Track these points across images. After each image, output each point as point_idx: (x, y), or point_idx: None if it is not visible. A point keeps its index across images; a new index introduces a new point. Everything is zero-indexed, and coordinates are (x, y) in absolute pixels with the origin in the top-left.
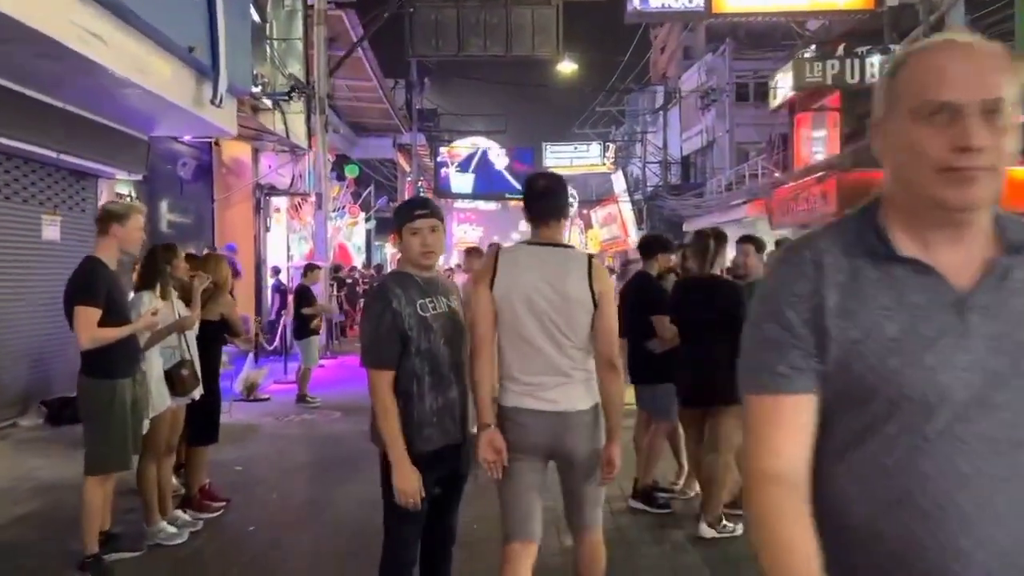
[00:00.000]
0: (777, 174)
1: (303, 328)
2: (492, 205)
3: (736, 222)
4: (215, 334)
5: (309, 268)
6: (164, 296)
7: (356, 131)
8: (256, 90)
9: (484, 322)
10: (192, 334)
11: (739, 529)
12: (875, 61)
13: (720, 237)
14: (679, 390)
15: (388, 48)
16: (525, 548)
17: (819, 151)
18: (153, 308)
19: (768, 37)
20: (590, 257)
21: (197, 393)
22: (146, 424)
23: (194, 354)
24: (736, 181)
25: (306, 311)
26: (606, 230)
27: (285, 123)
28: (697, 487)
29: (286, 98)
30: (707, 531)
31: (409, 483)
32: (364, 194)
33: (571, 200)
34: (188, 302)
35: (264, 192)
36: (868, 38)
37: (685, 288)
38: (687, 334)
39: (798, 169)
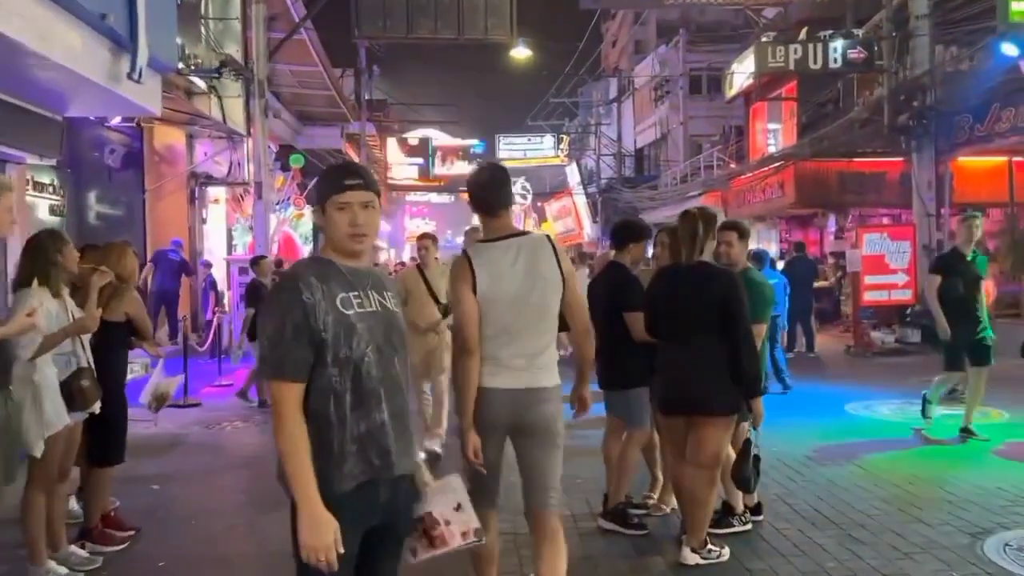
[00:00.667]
0: (733, 165)
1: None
2: (445, 198)
3: None
4: (120, 337)
5: (257, 260)
6: (56, 294)
7: (302, 120)
8: (182, 66)
9: (472, 324)
10: (88, 338)
11: (726, 553)
12: (838, 46)
13: (709, 218)
14: (658, 393)
15: (335, 34)
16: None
17: (772, 143)
18: (30, 308)
19: (719, 31)
20: (549, 238)
21: (97, 406)
22: (40, 446)
23: (91, 360)
24: (691, 173)
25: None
26: (560, 223)
27: (222, 108)
28: (674, 501)
29: (215, 75)
30: (691, 557)
31: (318, 536)
32: (310, 185)
33: (525, 193)
34: (84, 300)
35: (200, 181)
36: (825, 26)
37: (669, 278)
38: (670, 331)
39: (755, 160)
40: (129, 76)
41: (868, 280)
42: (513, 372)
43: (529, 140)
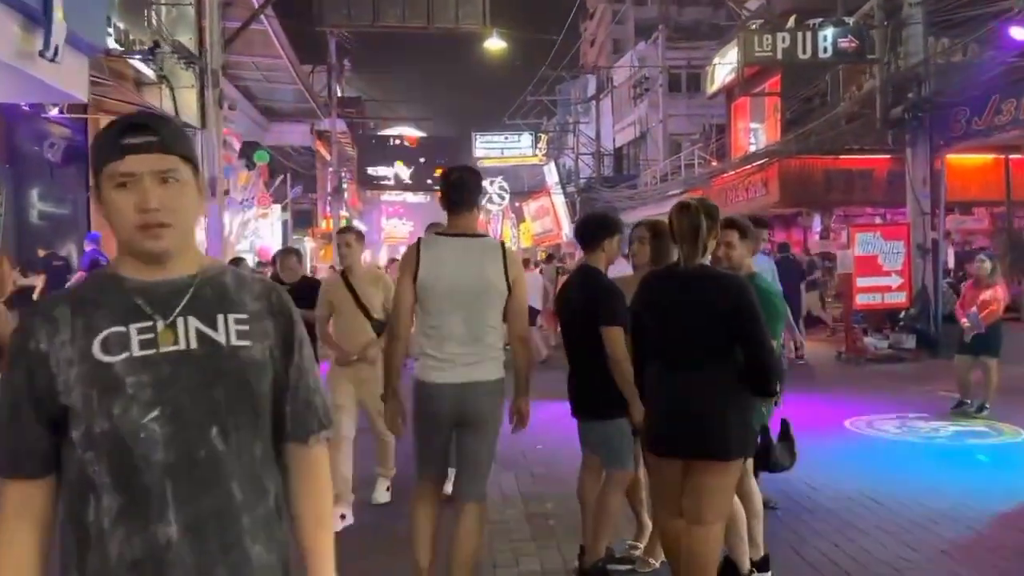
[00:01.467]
0: (715, 163)
1: None
2: (421, 197)
3: None
4: None
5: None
6: None
7: (269, 116)
8: (113, 46)
9: (404, 309)
10: None
11: None
12: (828, 35)
13: (712, 211)
14: (647, 430)
15: (305, 28)
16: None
17: (753, 142)
18: None
19: (696, 29)
20: (503, 244)
21: None
22: None
23: None
24: (672, 171)
25: None
26: (539, 223)
27: (174, 99)
28: (662, 555)
29: (149, 56)
30: None
31: None
32: (276, 183)
33: (503, 194)
34: None
35: None
36: (810, 16)
37: (661, 284)
38: (663, 351)
39: (737, 157)
40: (42, 55)
41: (860, 282)
42: (453, 367)
43: (506, 138)
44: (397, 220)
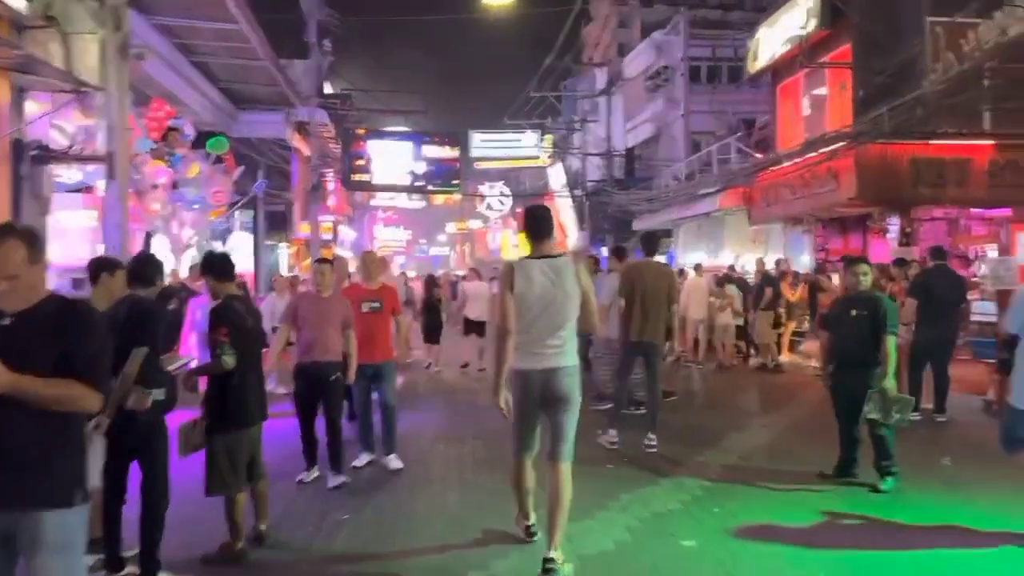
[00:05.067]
0: (759, 155)
1: None
2: (417, 203)
3: (703, 216)
4: None
5: (102, 268)
6: None
7: (237, 103)
8: None
9: (508, 315)
10: None
11: None
12: None
13: None
14: None
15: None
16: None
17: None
18: None
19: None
20: (574, 261)
21: None
22: None
23: None
24: (699, 169)
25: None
26: None
27: (67, 48)
28: None
29: None
30: None
31: None
32: (236, 174)
33: (504, 200)
34: None
35: (34, 154)
36: None
37: None
38: None
39: (790, 148)
40: None
41: None
42: (543, 356)
43: (507, 138)
44: (394, 228)
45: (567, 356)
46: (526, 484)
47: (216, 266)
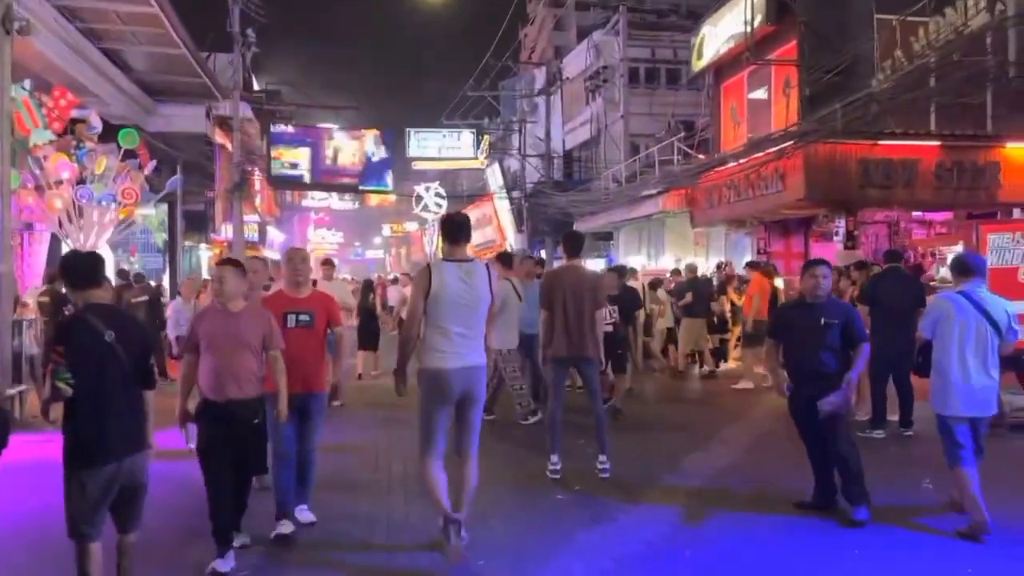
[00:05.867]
0: (701, 156)
1: None
2: (348, 203)
3: (644, 219)
4: None
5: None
6: None
7: (154, 95)
8: None
9: (418, 317)
10: None
11: None
12: None
13: None
14: None
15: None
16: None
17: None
18: None
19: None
20: (488, 266)
21: None
22: None
23: None
24: (640, 171)
25: None
26: (479, 233)
27: None
28: None
29: None
30: None
31: None
32: (148, 168)
33: (440, 201)
34: None
35: None
36: None
37: None
38: None
39: (733, 148)
40: None
41: None
42: (459, 356)
43: (445, 137)
44: (326, 231)
45: (481, 355)
46: (438, 485)
47: (71, 271)
